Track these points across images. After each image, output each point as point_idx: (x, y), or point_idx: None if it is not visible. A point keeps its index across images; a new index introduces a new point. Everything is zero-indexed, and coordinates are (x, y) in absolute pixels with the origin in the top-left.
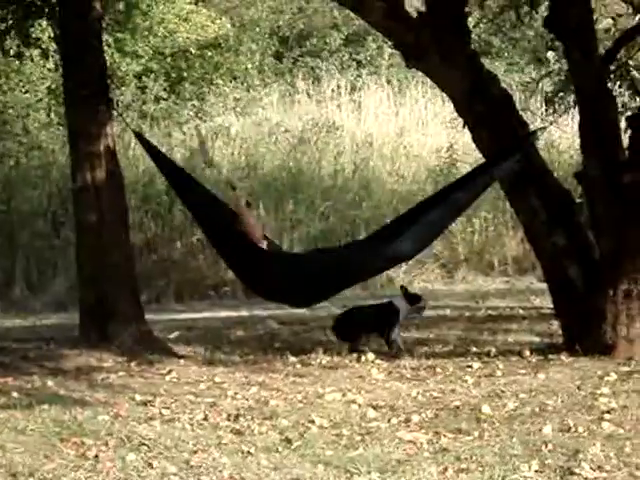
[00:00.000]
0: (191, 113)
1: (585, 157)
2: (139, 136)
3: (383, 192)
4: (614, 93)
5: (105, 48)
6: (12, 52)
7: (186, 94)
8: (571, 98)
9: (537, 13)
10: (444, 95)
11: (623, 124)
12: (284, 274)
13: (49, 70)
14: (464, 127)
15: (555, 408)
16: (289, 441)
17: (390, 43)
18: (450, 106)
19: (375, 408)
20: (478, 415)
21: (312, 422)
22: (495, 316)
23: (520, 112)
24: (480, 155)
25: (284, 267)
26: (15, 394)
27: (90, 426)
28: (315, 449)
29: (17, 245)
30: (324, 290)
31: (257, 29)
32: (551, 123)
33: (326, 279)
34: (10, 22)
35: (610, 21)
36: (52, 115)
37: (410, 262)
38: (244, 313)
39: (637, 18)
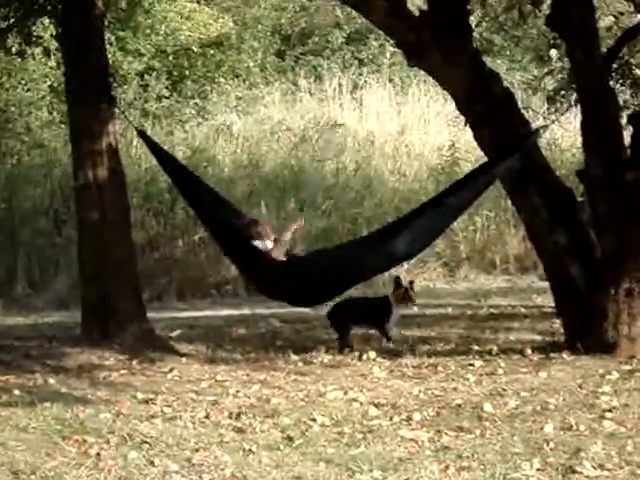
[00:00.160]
0: (193, 111)
1: (587, 155)
2: (142, 134)
3: (385, 190)
4: (616, 91)
5: (107, 46)
6: (14, 50)
7: (188, 92)
8: (573, 97)
9: (540, 11)
10: (446, 94)
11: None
12: (285, 275)
13: (51, 68)
14: (466, 125)
15: (557, 406)
16: (291, 439)
17: (392, 42)
18: (452, 104)
19: (377, 406)
20: (480, 413)
21: (314, 420)
22: (497, 314)
23: (522, 110)
24: (482, 153)
25: (285, 268)
26: (17, 392)
27: (92, 424)
28: (317, 447)
29: (19, 243)
30: (326, 291)
31: (259, 27)
32: (553, 122)
33: (327, 280)
34: (12, 20)
35: (612, 19)
36: (54, 113)
37: (412, 260)
38: (246, 311)
39: (639, 16)
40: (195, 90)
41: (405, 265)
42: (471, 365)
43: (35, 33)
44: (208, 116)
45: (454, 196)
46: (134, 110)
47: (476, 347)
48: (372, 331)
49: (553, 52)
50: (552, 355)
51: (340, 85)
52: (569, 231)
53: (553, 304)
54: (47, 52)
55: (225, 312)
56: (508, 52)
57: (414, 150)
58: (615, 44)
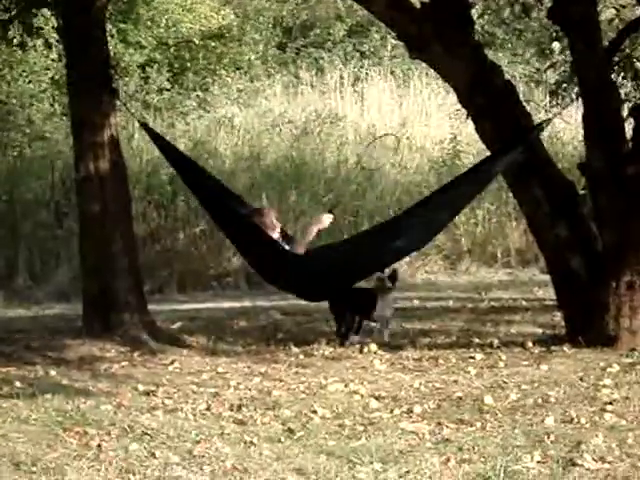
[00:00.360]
0: (194, 104)
1: (588, 148)
2: (145, 126)
3: (386, 183)
4: (617, 84)
5: (108, 38)
6: (15, 42)
7: (189, 85)
8: (575, 90)
9: (542, 4)
10: (447, 86)
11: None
12: (289, 269)
13: (53, 60)
14: (467, 118)
15: (557, 399)
16: (292, 431)
17: (394, 34)
18: (453, 97)
19: (377, 399)
20: (480, 406)
21: (315, 412)
22: (498, 307)
23: (524, 103)
24: (483, 146)
25: (290, 263)
26: (18, 384)
27: (93, 416)
28: (318, 439)
29: (20, 235)
30: (331, 286)
31: (260, 19)
32: (555, 115)
33: (332, 276)
34: (14, 12)
35: (614, 12)
36: (56, 105)
37: (413, 253)
38: (247, 304)
39: None
40: (196, 82)
41: (407, 258)
42: (472, 358)
43: (36, 25)
44: (209, 108)
45: (458, 189)
46: (135, 102)
47: (477, 340)
48: (373, 324)
49: (555, 45)
50: (553, 348)
51: (341, 78)
52: (570, 224)
53: (554, 297)
54: (48, 44)
55: (226, 304)
56: (510, 45)
57: (415, 143)
58: (617, 37)
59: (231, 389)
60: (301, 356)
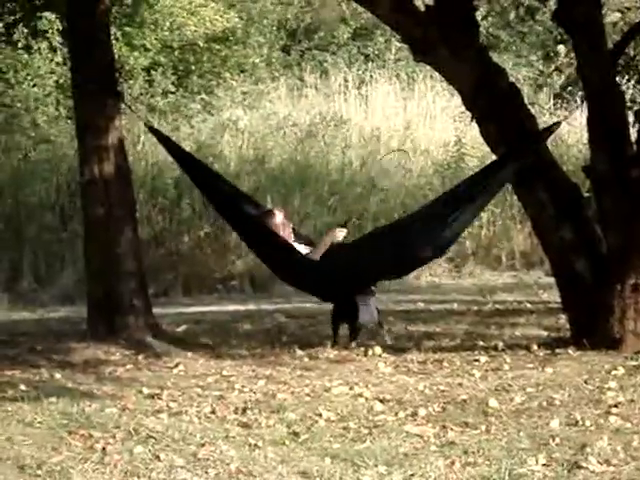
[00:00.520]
0: (199, 107)
1: (593, 151)
2: (151, 128)
3: (390, 186)
4: (622, 87)
5: (113, 42)
6: (20, 45)
7: (194, 87)
8: (580, 93)
9: (546, 6)
10: (452, 89)
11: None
12: (303, 271)
13: (57, 64)
14: (472, 121)
15: (562, 402)
16: (296, 434)
17: (398, 37)
18: (458, 100)
19: (382, 402)
20: (485, 409)
21: (319, 415)
22: (502, 310)
23: (528, 106)
24: (488, 149)
25: (304, 267)
26: (23, 387)
27: (98, 419)
28: (322, 442)
29: (25, 238)
30: (345, 287)
31: (265, 22)
32: (566, 118)
33: (339, 281)
34: (18, 15)
35: (618, 15)
36: (60, 109)
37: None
38: (252, 307)
39: None
40: (201, 85)
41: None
42: (476, 361)
43: (41, 28)
44: (214, 111)
45: (472, 202)
46: (140, 105)
47: (481, 343)
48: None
49: (561, 47)
50: (558, 351)
51: (346, 80)
52: (575, 227)
53: (559, 300)
54: (53, 48)
55: (231, 307)
56: (514, 48)
57: (420, 146)
58: (621, 39)
59: (236, 392)
60: (306, 359)
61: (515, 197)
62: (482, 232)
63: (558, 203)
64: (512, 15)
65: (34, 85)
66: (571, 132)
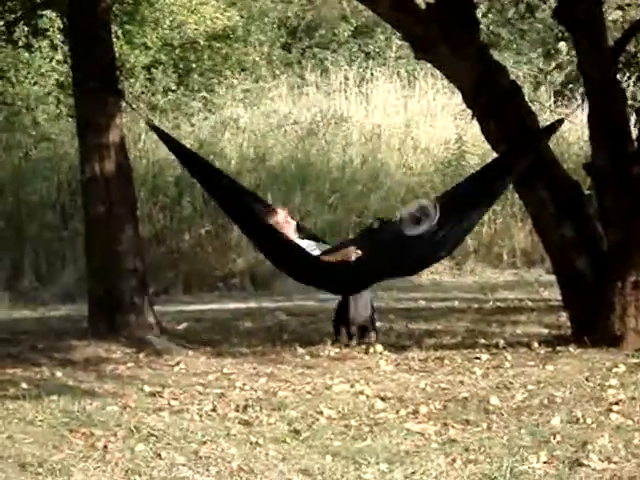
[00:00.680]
0: (200, 105)
1: (594, 149)
2: (152, 125)
3: (391, 184)
4: (623, 84)
5: (114, 40)
6: (21, 43)
7: (195, 86)
8: (580, 90)
9: (545, 3)
10: (452, 87)
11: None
12: (307, 268)
13: (58, 62)
14: (473, 119)
15: (563, 400)
16: (297, 432)
17: (399, 35)
18: (459, 98)
19: (383, 399)
20: (486, 406)
21: (320, 413)
22: (503, 308)
23: (529, 104)
24: (489, 147)
25: (309, 265)
26: (24, 385)
27: (99, 417)
28: (323, 440)
29: (26, 237)
30: (343, 286)
31: (266, 20)
32: (568, 115)
33: (343, 278)
34: (19, 13)
35: (619, 13)
36: (61, 107)
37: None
38: (252, 305)
39: None
40: (202, 83)
41: None
42: (478, 358)
43: (41, 26)
44: (215, 109)
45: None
46: (141, 103)
47: (483, 340)
48: (378, 324)
49: (562, 45)
50: (559, 348)
51: (347, 78)
52: (576, 224)
53: (560, 297)
54: (54, 46)
55: (232, 305)
56: (515, 45)
57: (421, 144)
58: (622, 37)
59: (237, 390)
60: (307, 357)
61: (516, 195)
62: (483, 230)
63: (559, 201)
64: (512, 12)
65: (35, 83)
66: (572, 130)
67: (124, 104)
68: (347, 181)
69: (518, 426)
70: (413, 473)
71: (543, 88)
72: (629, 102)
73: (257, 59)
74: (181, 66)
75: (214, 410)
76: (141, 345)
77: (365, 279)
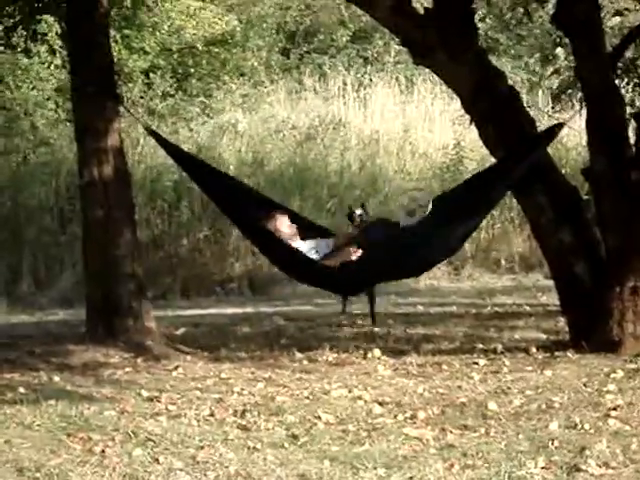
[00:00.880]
0: (198, 110)
1: (592, 154)
2: (150, 130)
3: (390, 189)
4: (621, 90)
5: (112, 44)
6: (19, 48)
7: (193, 90)
8: (579, 95)
9: (544, 9)
10: (451, 92)
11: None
12: (307, 270)
13: (56, 67)
14: (471, 124)
15: (561, 405)
16: (295, 437)
17: (397, 40)
18: (457, 103)
19: (381, 404)
20: (484, 411)
21: (318, 418)
22: (501, 313)
23: (527, 109)
24: (487, 152)
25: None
26: (22, 390)
27: (96, 421)
28: (321, 445)
29: (24, 241)
30: (345, 287)
31: (264, 25)
32: (568, 120)
33: (344, 281)
34: (17, 18)
35: (618, 18)
36: (59, 111)
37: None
38: (250, 309)
39: None
40: (200, 88)
41: None
42: (476, 363)
43: (40, 31)
44: (213, 114)
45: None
46: (139, 108)
47: (481, 345)
48: (376, 329)
49: (559, 50)
50: (557, 353)
51: (345, 83)
52: (574, 229)
53: (558, 302)
54: (52, 51)
55: (230, 310)
56: (512, 51)
57: (419, 149)
58: (621, 42)
59: (235, 395)
60: (305, 362)
61: (514, 200)
62: (481, 235)
63: (557, 206)
64: (509, 16)
65: (33, 88)
66: (570, 135)
67: (122, 109)
68: (345, 186)
69: (516, 431)
70: (411, 478)
71: (541, 93)
72: (627, 108)
73: (255, 64)
74: (179, 71)
75: (212, 415)
76: (139, 350)
77: (366, 279)
